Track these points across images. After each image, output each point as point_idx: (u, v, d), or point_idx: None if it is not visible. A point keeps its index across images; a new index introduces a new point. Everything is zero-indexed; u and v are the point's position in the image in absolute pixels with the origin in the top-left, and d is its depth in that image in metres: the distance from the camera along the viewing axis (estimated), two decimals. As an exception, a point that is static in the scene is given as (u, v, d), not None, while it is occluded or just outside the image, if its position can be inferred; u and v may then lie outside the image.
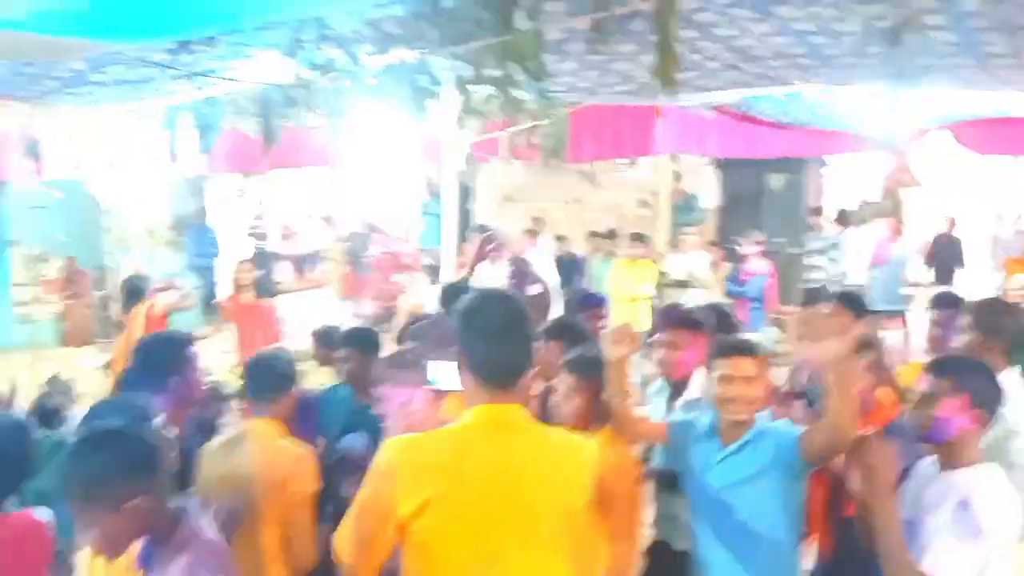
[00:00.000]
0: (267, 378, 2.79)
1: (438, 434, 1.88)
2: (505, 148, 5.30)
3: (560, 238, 9.95)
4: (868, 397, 2.88)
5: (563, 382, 2.71)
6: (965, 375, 2.25)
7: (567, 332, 3.07)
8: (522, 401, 1.89)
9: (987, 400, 2.23)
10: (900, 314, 8.64)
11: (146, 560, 1.81)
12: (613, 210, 10.83)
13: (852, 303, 3.94)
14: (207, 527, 1.86)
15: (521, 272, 4.59)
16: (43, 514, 2.20)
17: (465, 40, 2.02)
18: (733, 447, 2.53)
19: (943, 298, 4.05)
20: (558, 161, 4.78)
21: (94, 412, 2.38)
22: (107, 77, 3.90)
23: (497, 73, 2.00)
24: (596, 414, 2.67)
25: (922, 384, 2.29)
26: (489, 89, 2.32)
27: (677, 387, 3.15)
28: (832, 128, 7.33)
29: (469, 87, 2.16)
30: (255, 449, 2.67)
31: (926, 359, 3.50)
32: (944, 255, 10.60)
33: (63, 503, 1.86)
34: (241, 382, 3.13)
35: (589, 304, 4.32)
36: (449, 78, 2.20)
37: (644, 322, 7.42)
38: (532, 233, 9.29)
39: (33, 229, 8.52)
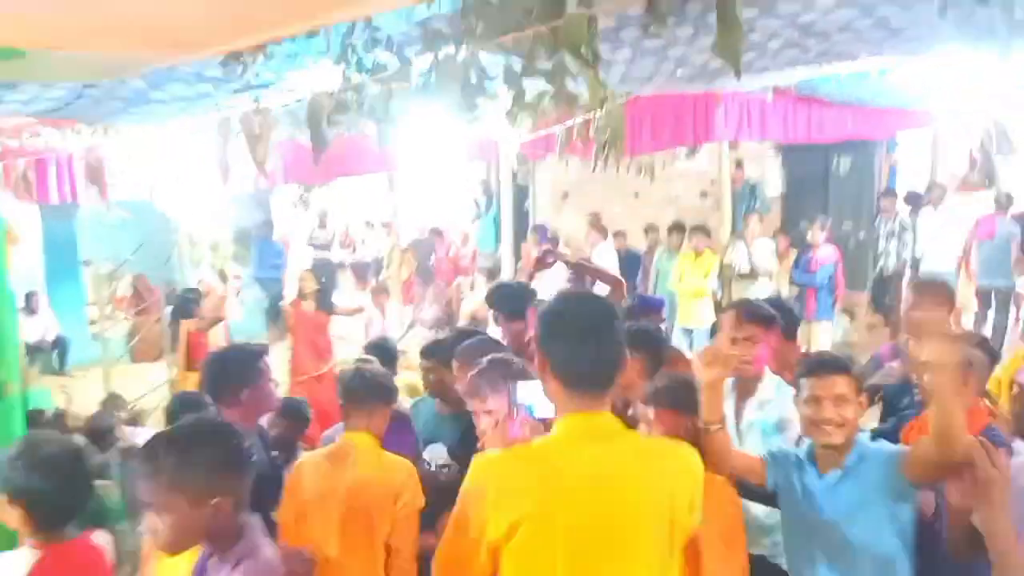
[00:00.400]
0: (365, 391, 2.78)
1: (527, 450, 1.81)
2: (561, 144, 5.21)
3: (619, 234, 9.81)
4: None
5: (646, 411, 2.52)
6: None
7: (642, 340, 2.95)
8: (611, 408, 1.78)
9: None
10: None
11: (200, 571, 1.80)
12: (673, 202, 10.64)
13: (937, 292, 3.76)
14: (267, 545, 1.84)
15: (581, 277, 4.51)
16: (101, 539, 2.21)
17: (515, 30, 1.95)
18: (833, 476, 2.36)
19: None
20: (616, 153, 4.67)
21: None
22: (166, 95, 3.95)
23: (549, 65, 1.93)
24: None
25: None
26: (541, 84, 2.25)
27: (744, 387, 3.00)
28: (900, 106, 7.07)
29: (521, 81, 2.10)
30: (365, 462, 2.68)
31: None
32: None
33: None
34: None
35: (647, 309, 4.23)
36: (499, 73, 2.13)
37: (709, 316, 7.27)
38: (599, 229, 9.17)
39: (104, 248, 8.77)
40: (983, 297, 8.56)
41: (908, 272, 8.95)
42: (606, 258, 8.69)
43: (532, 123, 4.63)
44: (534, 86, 2.52)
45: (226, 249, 12.10)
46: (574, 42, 1.78)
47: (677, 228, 8.90)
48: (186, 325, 6.12)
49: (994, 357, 2.97)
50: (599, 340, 1.72)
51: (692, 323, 7.71)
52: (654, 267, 8.96)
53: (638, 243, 9.87)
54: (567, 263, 4.41)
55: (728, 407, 2.98)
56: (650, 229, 9.77)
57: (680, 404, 2.45)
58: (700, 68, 3.54)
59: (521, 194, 10.92)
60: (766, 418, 2.92)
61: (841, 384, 2.35)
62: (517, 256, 8.54)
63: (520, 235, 9.07)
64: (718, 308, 7.56)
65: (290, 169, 6.65)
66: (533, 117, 3.54)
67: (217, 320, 6.33)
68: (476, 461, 1.77)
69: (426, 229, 12.21)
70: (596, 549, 1.67)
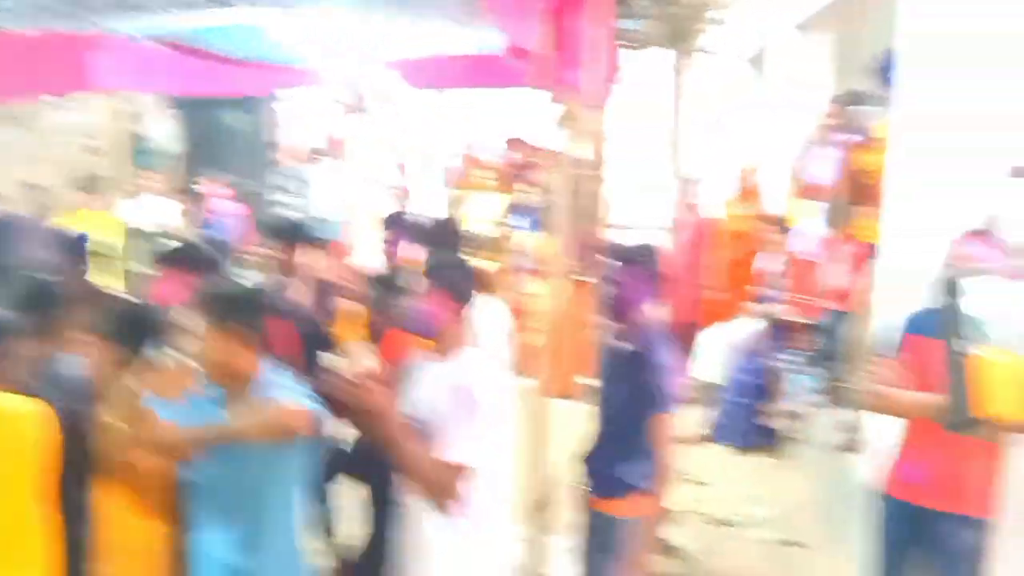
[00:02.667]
0: None
1: None
2: None
3: (-10, 194, 8.38)
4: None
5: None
6: (444, 273, 2.61)
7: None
8: None
9: (461, 295, 2.58)
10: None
11: None
12: (53, 159, 9.47)
13: (287, 234, 4.20)
14: None
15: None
16: None
17: None
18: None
19: (392, 219, 4.51)
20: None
21: None
22: None
23: None
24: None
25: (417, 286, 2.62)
26: None
27: None
28: (283, 62, 7.30)
29: None
30: None
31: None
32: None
33: None
34: None
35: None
36: None
37: (113, 280, 6.72)
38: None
39: None
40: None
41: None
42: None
43: None
44: None
45: None
46: None
47: (91, 184, 7.86)
48: None
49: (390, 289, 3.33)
50: None
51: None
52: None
53: (16, 204, 8.57)
54: None
55: None
56: (34, 188, 8.56)
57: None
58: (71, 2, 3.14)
59: None
60: None
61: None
62: None
63: None
64: (128, 274, 7.07)
65: None
66: None
67: None
68: None
69: None
70: None
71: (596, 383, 3.28)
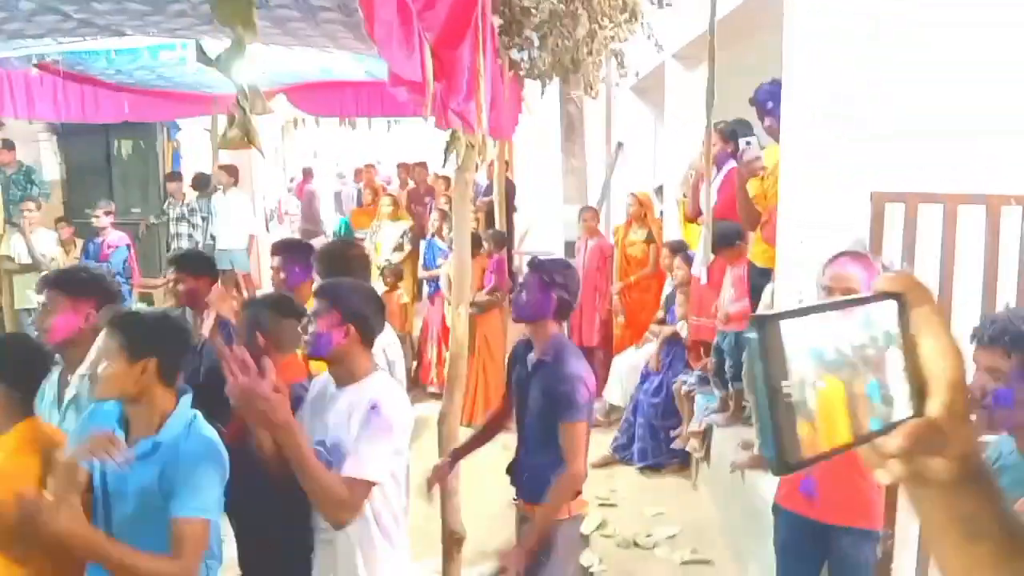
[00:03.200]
0: None
1: None
2: None
3: None
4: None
5: None
6: (337, 295, 2.55)
7: None
8: None
9: (356, 317, 2.52)
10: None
11: None
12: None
13: (186, 265, 4.06)
14: None
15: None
16: None
17: None
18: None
19: (280, 245, 4.27)
20: None
21: None
22: None
23: None
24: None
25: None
26: None
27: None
28: (176, 89, 7.09)
29: None
30: None
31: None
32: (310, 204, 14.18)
33: None
34: None
35: None
36: None
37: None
38: None
39: None
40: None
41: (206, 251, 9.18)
42: None
43: None
44: None
45: None
46: None
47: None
48: None
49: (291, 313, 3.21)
50: None
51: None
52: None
53: None
54: None
55: None
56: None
57: None
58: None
59: None
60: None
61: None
62: None
63: None
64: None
65: None
66: None
67: None
68: None
69: None
70: None
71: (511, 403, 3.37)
